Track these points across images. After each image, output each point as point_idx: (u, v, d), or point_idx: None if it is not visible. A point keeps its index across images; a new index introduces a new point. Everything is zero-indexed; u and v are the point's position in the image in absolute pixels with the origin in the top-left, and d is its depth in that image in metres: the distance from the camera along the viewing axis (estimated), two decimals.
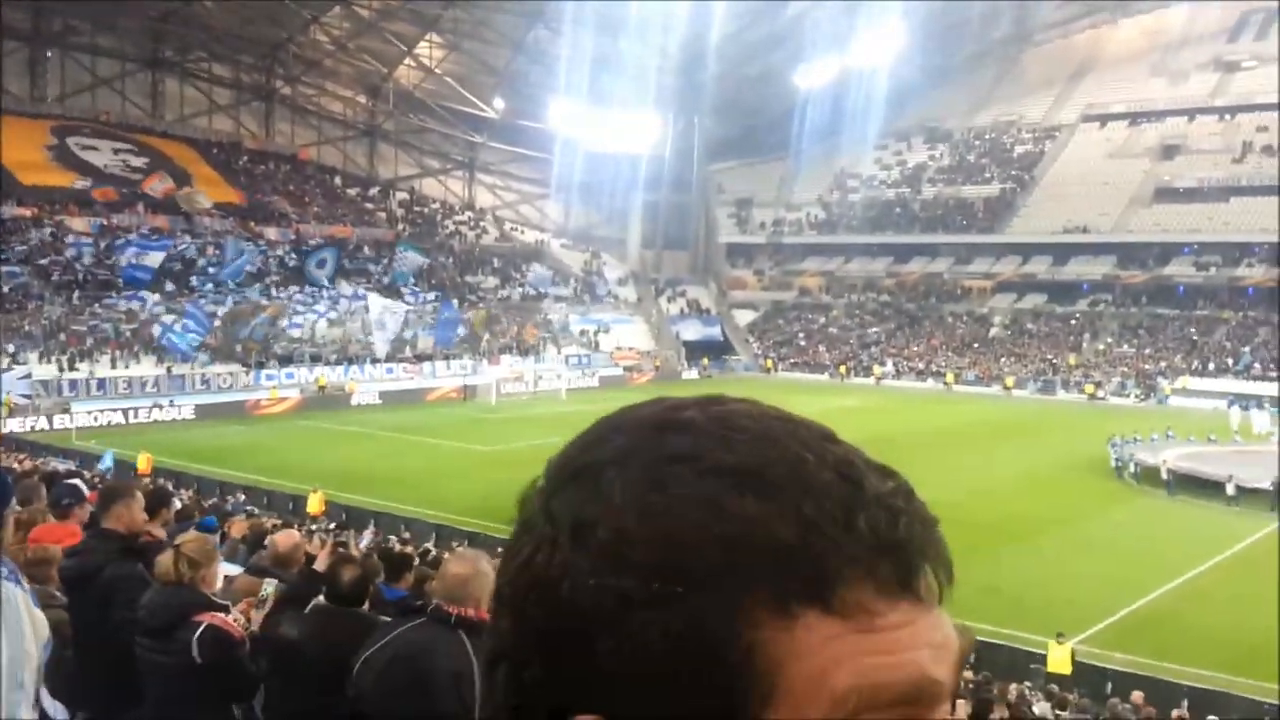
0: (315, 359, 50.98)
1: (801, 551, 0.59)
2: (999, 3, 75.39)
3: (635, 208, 79.52)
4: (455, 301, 60.01)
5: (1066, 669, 16.65)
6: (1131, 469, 33.45)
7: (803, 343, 70.86)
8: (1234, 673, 16.89)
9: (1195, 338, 59.87)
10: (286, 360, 49.96)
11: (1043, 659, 16.87)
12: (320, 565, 4.81)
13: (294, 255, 59.00)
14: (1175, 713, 14.83)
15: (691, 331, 71.49)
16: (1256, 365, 55.45)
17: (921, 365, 63.82)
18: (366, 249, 63.94)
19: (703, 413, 0.67)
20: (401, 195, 75.80)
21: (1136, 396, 55.13)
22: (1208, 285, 62.34)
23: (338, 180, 72.94)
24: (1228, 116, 72.19)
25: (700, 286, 77.72)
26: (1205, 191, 66.11)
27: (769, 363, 68.55)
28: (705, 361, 67.16)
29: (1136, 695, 15.61)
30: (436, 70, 72.85)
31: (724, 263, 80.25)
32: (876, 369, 63.87)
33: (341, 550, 6.02)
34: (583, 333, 65.59)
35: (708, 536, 0.60)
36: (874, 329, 70.22)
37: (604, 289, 73.95)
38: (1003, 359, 62.54)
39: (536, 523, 0.67)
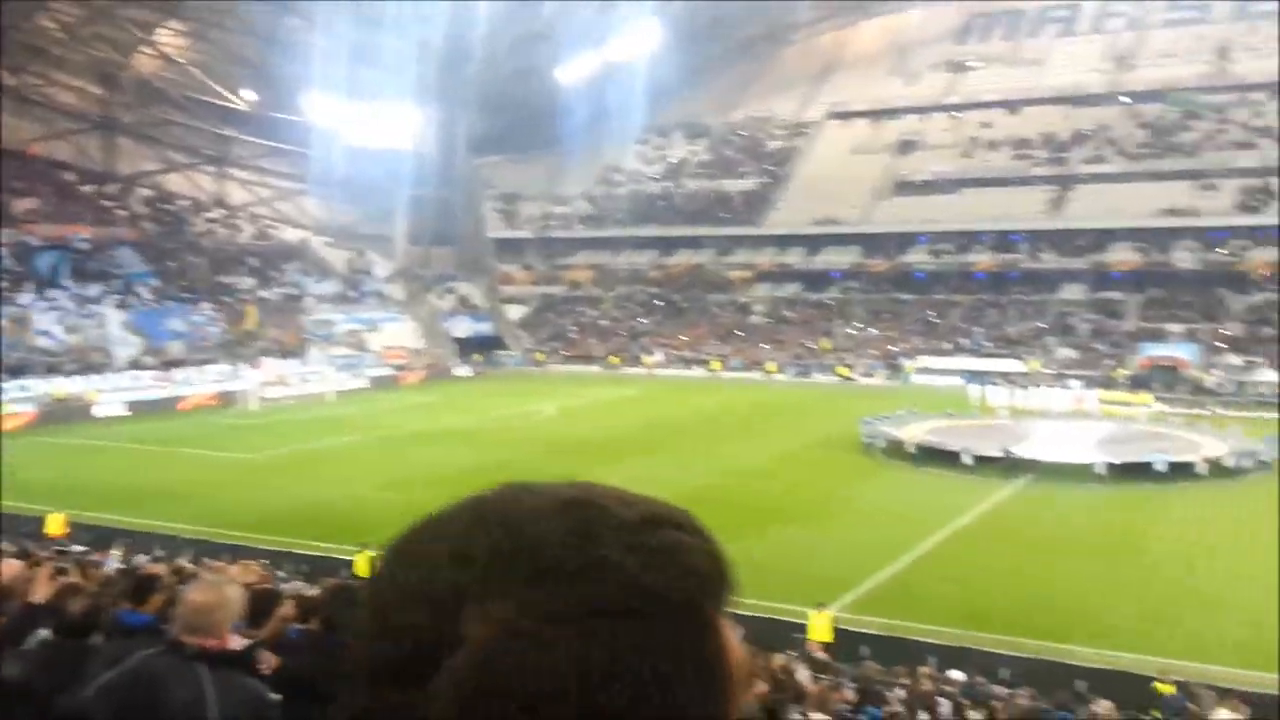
0: (51, 369, 47.14)
1: (723, 570, 0.77)
2: (749, 2, 78.43)
3: (401, 203, 77.83)
4: (209, 303, 56.94)
5: (828, 636, 17.56)
6: (881, 445, 35.67)
7: (574, 335, 71.51)
8: (974, 628, 18.28)
9: (933, 320, 64.40)
10: (18, 372, 45.89)
11: (805, 628, 17.73)
12: (39, 596, 4.49)
13: (22, 258, 54.33)
14: (923, 669, 15.97)
15: (463, 328, 70.86)
16: (987, 344, 60.27)
17: (689, 354, 65.73)
18: (106, 250, 59.63)
19: (561, 488, 0.79)
20: (145, 192, 71.11)
21: (884, 376, 58.83)
22: (943, 271, 67.16)
23: (71, 176, 67.63)
24: (957, 114, 77.96)
25: (470, 282, 77.07)
26: (938, 184, 71.17)
27: (541, 356, 68.81)
28: (477, 358, 66.71)
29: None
30: (180, 60, 68.69)
31: (493, 258, 79.89)
32: (646, 359, 65.29)
33: (64, 578, 5.62)
34: (350, 332, 63.69)
35: (683, 568, 0.74)
36: (642, 320, 71.69)
37: (371, 287, 72.09)
38: (763, 345, 65.24)
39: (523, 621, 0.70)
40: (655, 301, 73.38)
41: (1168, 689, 14.05)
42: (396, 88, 69.14)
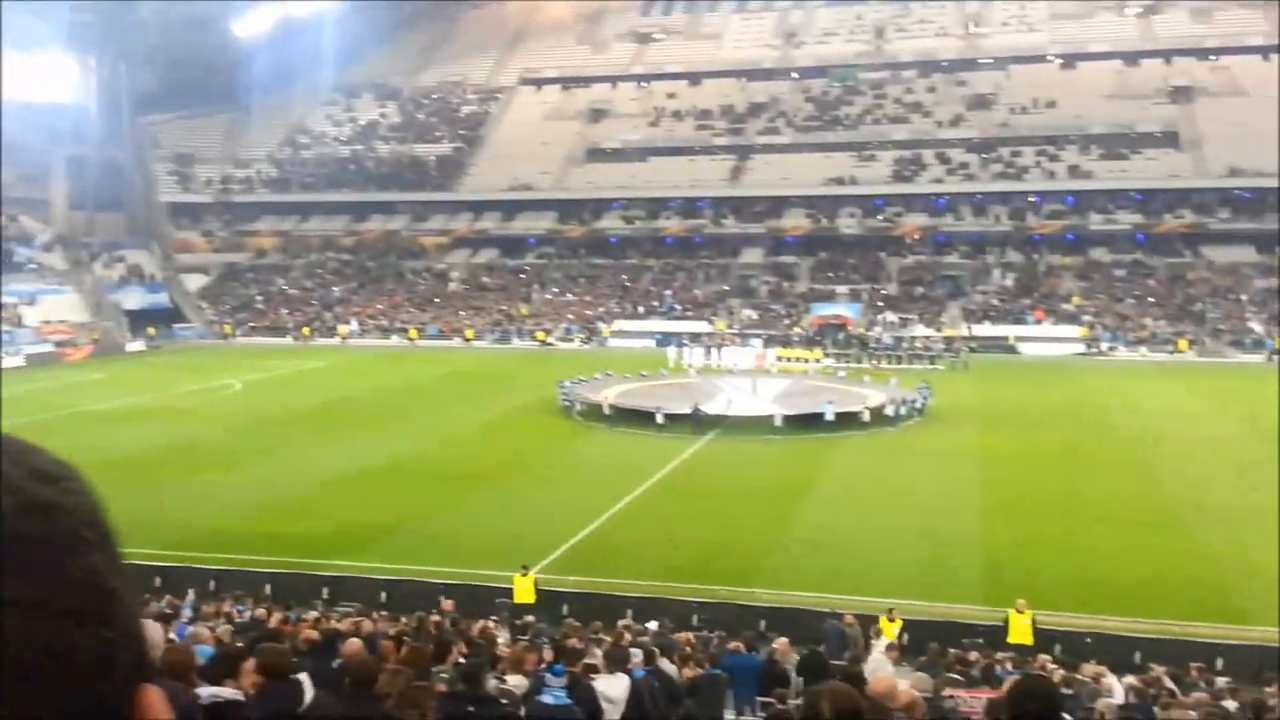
0: None
1: (104, 510, 0.76)
2: None
3: (59, 164, 70.70)
4: None
5: (531, 598, 17.98)
6: (578, 408, 36.62)
7: (261, 305, 68.09)
8: (670, 579, 19.29)
9: (627, 284, 66.53)
10: None
11: (509, 592, 18.08)
12: None
13: None
14: (621, 623, 16.71)
15: (134, 300, 65.60)
16: (677, 306, 63.02)
17: (385, 322, 64.31)
18: None
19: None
20: None
21: (581, 340, 60.24)
22: (634, 236, 69.48)
23: None
24: (644, 84, 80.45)
25: (141, 250, 71.36)
26: (628, 152, 73.36)
27: (227, 328, 65.04)
28: (152, 331, 62.11)
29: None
30: None
31: (167, 223, 74.46)
32: (341, 328, 63.27)
33: None
34: (1, 306, 57.36)
35: (93, 512, 0.73)
36: (336, 288, 69.34)
37: (24, 256, 65.18)
38: (462, 312, 64.92)
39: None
40: (348, 269, 71.19)
41: (894, 625, 15.49)
42: (46, 35, 62.54)
